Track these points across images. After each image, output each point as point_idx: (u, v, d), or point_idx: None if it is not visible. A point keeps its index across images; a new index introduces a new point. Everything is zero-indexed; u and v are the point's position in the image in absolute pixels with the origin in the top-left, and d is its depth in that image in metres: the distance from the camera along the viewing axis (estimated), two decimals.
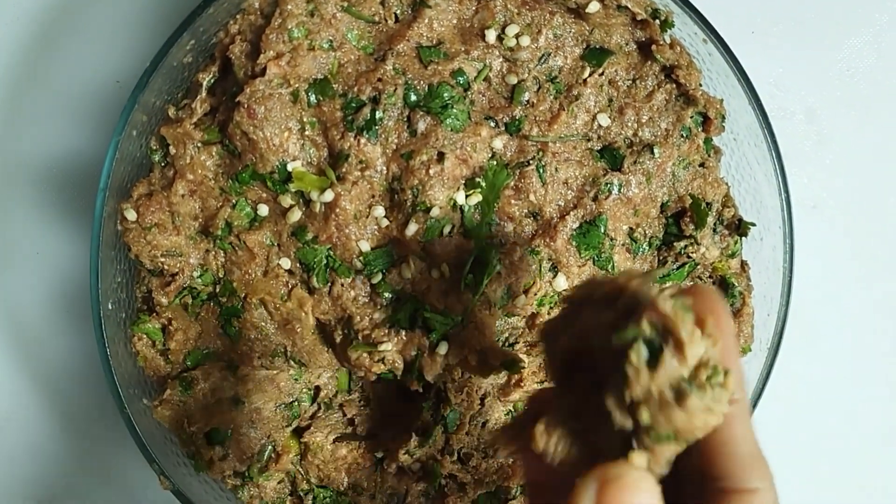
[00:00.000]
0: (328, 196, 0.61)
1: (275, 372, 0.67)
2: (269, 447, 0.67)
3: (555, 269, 0.65)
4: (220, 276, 0.66)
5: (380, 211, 0.62)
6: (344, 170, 0.62)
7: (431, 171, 0.61)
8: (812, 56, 0.80)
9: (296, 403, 0.68)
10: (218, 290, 0.66)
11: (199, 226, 0.66)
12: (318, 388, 0.69)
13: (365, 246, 0.63)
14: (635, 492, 0.34)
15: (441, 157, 0.62)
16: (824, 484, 0.81)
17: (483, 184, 0.63)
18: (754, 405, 0.68)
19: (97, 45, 0.77)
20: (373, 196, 0.63)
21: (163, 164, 0.65)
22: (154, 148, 0.65)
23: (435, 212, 0.62)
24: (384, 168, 0.63)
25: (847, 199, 0.80)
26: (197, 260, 0.66)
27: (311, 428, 0.69)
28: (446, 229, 0.63)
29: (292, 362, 0.67)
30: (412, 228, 0.62)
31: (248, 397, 0.66)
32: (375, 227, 0.63)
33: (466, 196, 0.63)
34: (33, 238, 0.77)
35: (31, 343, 0.78)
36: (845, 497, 0.81)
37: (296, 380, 0.68)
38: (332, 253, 0.63)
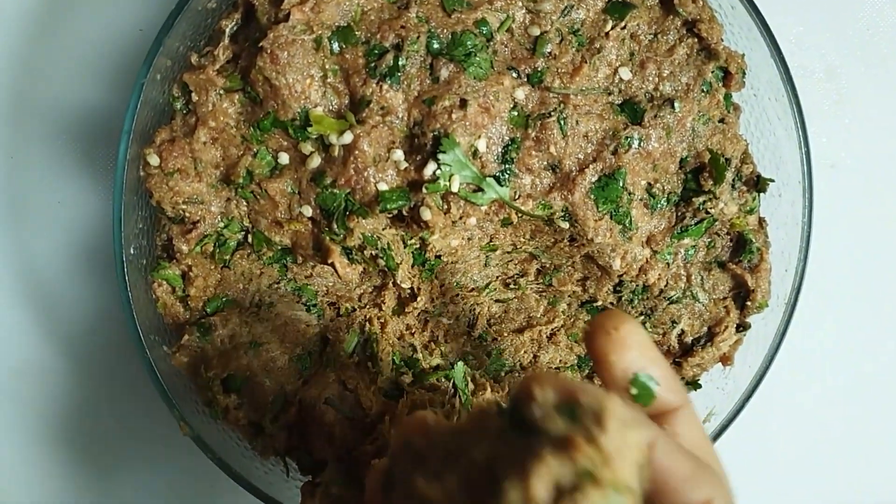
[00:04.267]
0: (347, 138, 0.62)
1: (294, 314, 0.67)
2: (281, 398, 0.68)
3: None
4: (247, 224, 0.67)
5: (399, 154, 0.63)
6: (364, 114, 0.62)
7: (454, 117, 0.62)
8: (833, 14, 0.79)
9: (307, 356, 0.69)
10: (251, 239, 0.67)
11: (220, 174, 0.66)
12: (326, 339, 0.69)
13: (383, 187, 0.63)
14: None
15: (464, 103, 0.62)
16: (835, 441, 0.81)
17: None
18: (770, 361, 0.68)
19: None
20: (393, 141, 0.63)
21: (185, 112, 0.66)
22: (176, 95, 0.65)
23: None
24: (405, 114, 0.63)
25: (866, 159, 0.80)
26: (218, 208, 0.66)
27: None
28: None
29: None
30: (430, 168, 0.62)
31: (267, 341, 0.66)
32: (394, 171, 0.63)
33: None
34: (55, 188, 0.77)
35: (51, 292, 0.78)
36: (856, 454, 0.81)
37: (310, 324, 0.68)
38: (351, 197, 0.63)
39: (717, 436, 0.68)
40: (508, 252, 0.70)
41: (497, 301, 0.73)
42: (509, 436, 0.35)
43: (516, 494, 0.32)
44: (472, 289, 0.72)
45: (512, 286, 0.73)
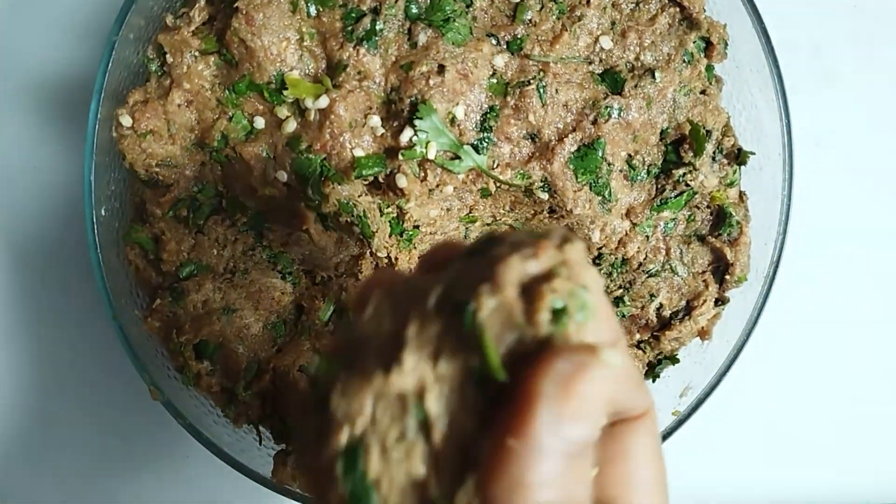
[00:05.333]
0: (323, 102, 0.61)
1: (269, 281, 0.67)
2: (255, 365, 0.67)
3: None
4: (221, 189, 0.66)
5: (375, 120, 0.62)
6: (341, 79, 0.61)
7: (431, 83, 0.61)
8: None
9: (282, 324, 0.68)
10: (225, 204, 0.66)
11: (194, 137, 0.65)
12: (300, 307, 0.69)
13: (359, 153, 0.62)
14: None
15: (441, 69, 0.61)
16: (811, 415, 0.81)
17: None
18: (748, 335, 0.68)
19: None
20: (369, 107, 0.62)
21: (159, 74, 0.65)
22: (151, 57, 0.65)
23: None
24: (382, 80, 0.62)
25: (850, 136, 0.80)
26: (192, 172, 0.66)
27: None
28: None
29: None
30: (407, 134, 0.61)
31: (240, 308, 0.66)
32: (370, 137, 0.62)
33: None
34: (29, 152, 0.77)
35: (23, 256, 0.77)
36: (831, 428, 0.81)
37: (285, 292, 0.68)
38: (326, 163, 0.63)
39: (693, 409, 0.68)
40: (488, 224, 0.70)
41: None
42: (470, 259, 0.35)
43: (486, 296, 0.31)
44: None
45: None
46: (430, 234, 0.69)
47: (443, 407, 0.32)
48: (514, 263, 0.32)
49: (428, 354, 0.32)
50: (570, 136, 0.64)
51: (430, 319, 0.33)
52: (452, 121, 0.62)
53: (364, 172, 0.62)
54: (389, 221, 0.67)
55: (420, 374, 0.32)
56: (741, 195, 0.69)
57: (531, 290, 0.32)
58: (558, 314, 0.31)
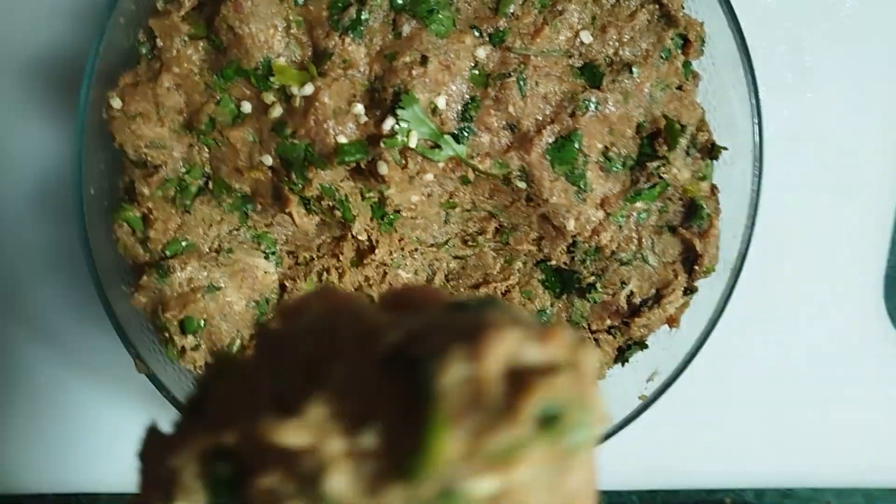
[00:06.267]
0: (308, 89, 0.63)
1: (253, 260, 0.69)
2: (238, 342, 0.69)
3: None
4: (208, 171, 0.68)
5: (359, 108, 0.64)
6: (326, 67, 0.63)
7: (414, 73, 0.63)
8: None
9: (265, 302, 0.70)
10: (212, 185, 0.68)
11: (183, 120, 0.67)
12: (283, 286, 0.71)
13: (342, 139, 0.64)
14: None
15: (424, 60, 0.63)
16: (780, 408, 0.83)
17: None
18: (714, 323, 0.70)
19: None
20: (353, 95, 0.64)
21: (149, 57, 0.66)
22: (141, 40, 0.66)
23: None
24: (367, 68, 0.64)
25: (826, 132, 0.81)
26: (181, 154, 0.67)
27: None
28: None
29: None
30: (389, 123, 0.63)
31: (224, 286, 0.68)
32: (354, 124, 0.64)
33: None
34: (21, 133, 0.78)
35: (17, 235, 0.79)
36: (793, 423, 0.84)
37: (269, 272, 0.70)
38: (310, 148, 0.64)
39: (659, 393, 0.70)
40: (468, 210, 0.72)
41: (455, 257, 0.75)
42: (452, 313, 0.27)
43: (458, 359, 0.24)
44: (432, 244, 0.73)
45: (470, 243, 0.74)
46: (412, 217, 0.71)
47: (350, 494, 0.24)
48: (509, 335, 0.24)
49: (349, 413, 0.24)
50: (548, 127, 0.66)
51: (368, 367, 0.25)
52: (434, 110, 0.64)
53: (347, 159, 0.64)
54: (371, 206, 0.69)
55: (324, 436, 0.24)
56: (713, 188, 0.71)
57: (521, 379, 0.24)
58: (549, 422, 0.24)
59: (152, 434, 0.30)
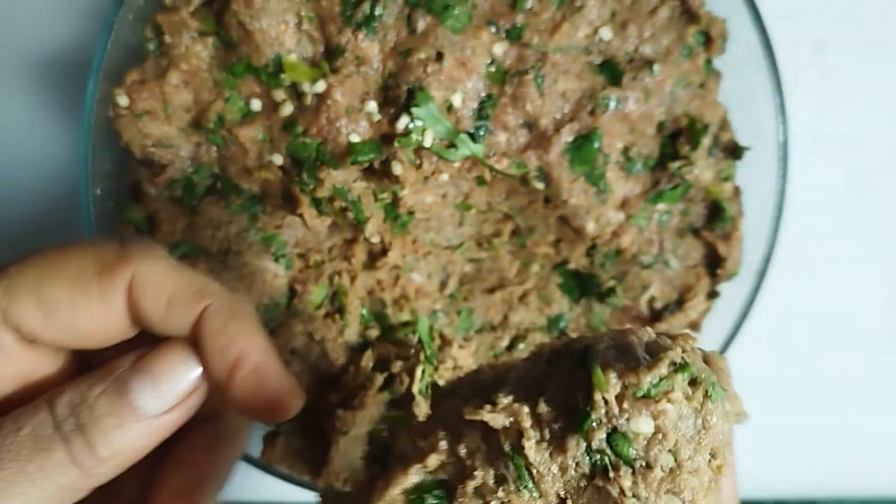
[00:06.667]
0: (320, 87, 0.61)
1: (262, 263, 0.67)
2: None
3: None
4: (216, 170, 0.66)
5: (372, 106, 0.62)
6: (339, 63, 0.61)
7: (429, 70, 0.61)
8: None
9: (274, 306, 0.69)
10: (220, 186, 0.66)
11: (191, 118, 0.65)
12: (293, 290, 0.69)
13: (355, 138, 0.62)
14: None
15: (440, 56, 0.61)
16: (805, 412, 0.81)
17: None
18: (737, 329, 0.68)
19: None
20: (367, 92, 0.62)
21: (157, 54, 0.65)
22: (149, 36, 0.64)
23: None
24: (380, 65, 0.62)
25: (850, 131, 0.79)
26: (188, 153, 0.66)
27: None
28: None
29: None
30: (403, 121, 0.61)
31: (233, 289, 0.66)
32: (367, 122, 0.62)
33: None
34: (26, 131, 0.76)
35: (21, 235, 0.78)
36: (823, 422, 0.82)
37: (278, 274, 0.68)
38: (322, 147, 0.63)
39: None
40: (483, 211, 0.70)
41: (470, 260, 0.73)
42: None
43: (608, 341, 0.31)
44: (446, 247, 0.72)
45: (486, 246, 0.72)
46: (426, 219, 0.69)
47: (543, 455, 0.31)
48: (644, 334, 0.33)
49: (527, 395, 0.31)
50: (567, 126, 0.64)
51: (536, 363, 0.33)
52: (449, 108, 0.62)
53: (359, 158, 0.62)
54: (384, 207, 0.67)
55: (515, 413, 0.31)
56: (736, 190, 0.70)
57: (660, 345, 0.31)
58: (690, 381, 0.31)
59: (330, 494, 0.37)
